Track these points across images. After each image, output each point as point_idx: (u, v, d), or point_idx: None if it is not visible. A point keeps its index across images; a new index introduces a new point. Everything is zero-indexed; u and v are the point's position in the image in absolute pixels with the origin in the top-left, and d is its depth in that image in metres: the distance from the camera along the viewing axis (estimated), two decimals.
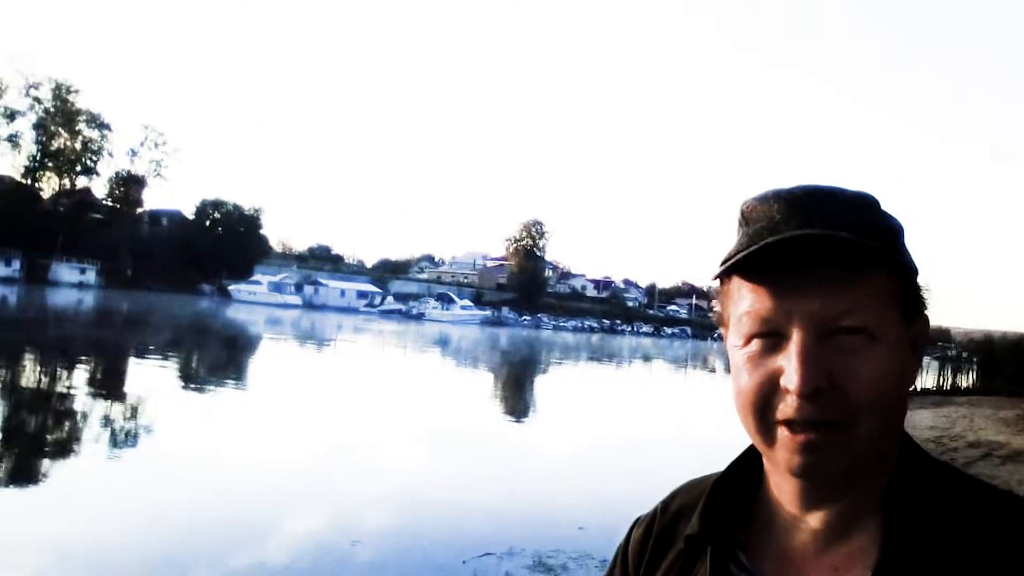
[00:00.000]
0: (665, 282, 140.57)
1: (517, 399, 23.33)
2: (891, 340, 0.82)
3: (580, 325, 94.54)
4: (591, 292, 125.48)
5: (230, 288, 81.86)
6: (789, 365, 0.80)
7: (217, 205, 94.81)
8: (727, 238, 0.91)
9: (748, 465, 0.99)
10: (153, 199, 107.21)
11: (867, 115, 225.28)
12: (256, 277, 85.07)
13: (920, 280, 0.90)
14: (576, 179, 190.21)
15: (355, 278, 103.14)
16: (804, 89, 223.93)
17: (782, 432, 0.82)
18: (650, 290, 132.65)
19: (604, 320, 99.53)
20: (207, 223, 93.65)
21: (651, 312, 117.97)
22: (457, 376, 29.38)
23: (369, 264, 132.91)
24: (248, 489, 9.20)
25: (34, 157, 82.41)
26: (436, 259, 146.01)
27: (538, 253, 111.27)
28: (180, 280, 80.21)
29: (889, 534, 0.81)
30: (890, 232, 0.86)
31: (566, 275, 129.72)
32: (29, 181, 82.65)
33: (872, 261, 0.82)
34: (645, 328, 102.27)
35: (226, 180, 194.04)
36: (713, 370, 43.60)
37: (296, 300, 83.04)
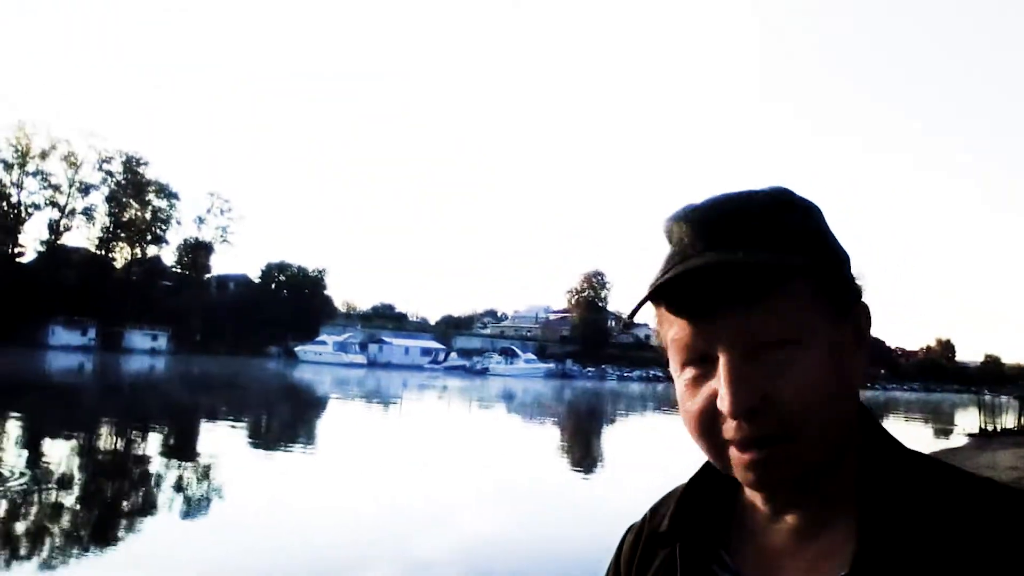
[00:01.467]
0: None
1: (584, 452, 23.07)
2: (820, 343, 0.81)
3: (645, 375, 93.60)
4: (655, 342, 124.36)
5: (296, 349, 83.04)
6: (721, 388, 0.80)
7: (282, 268, 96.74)
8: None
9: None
10: (220, 264, 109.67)
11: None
12: (322, 337, 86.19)
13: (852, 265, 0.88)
14: (636, 228, 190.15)
15: (419, 335, 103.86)
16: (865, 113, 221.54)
17: (732, 451, 0.82)
18: None
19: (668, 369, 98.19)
20: (273, 286, 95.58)
21: None
22: (523, 430, 29.21)
23: (432, 321, 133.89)
24: (321, 549, 9.19)
25: (107, 228, 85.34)
26: (499, 314, 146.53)
27: (600, 304, 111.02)
28: (248, 343, 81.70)
29: (864, 527, 0.80)
30: (803, 230, 0.85)
31: (629, 325, 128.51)
32: (103, 252, 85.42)
33: (784, 272, 0.80)
34: None
35: (290, 243, 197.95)
36: None
37: (361, 359, 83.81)
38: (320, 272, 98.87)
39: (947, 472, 0.84)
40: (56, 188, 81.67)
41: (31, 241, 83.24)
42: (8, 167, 78.75)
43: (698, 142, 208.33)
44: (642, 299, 0.85)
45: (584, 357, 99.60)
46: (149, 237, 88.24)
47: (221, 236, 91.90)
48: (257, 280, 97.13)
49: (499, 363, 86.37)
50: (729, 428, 0.81)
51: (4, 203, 78.74)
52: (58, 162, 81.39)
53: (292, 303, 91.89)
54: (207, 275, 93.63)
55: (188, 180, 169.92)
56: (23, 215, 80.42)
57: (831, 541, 0.83)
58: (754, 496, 0.90)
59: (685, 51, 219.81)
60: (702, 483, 0.97)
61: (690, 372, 0.84)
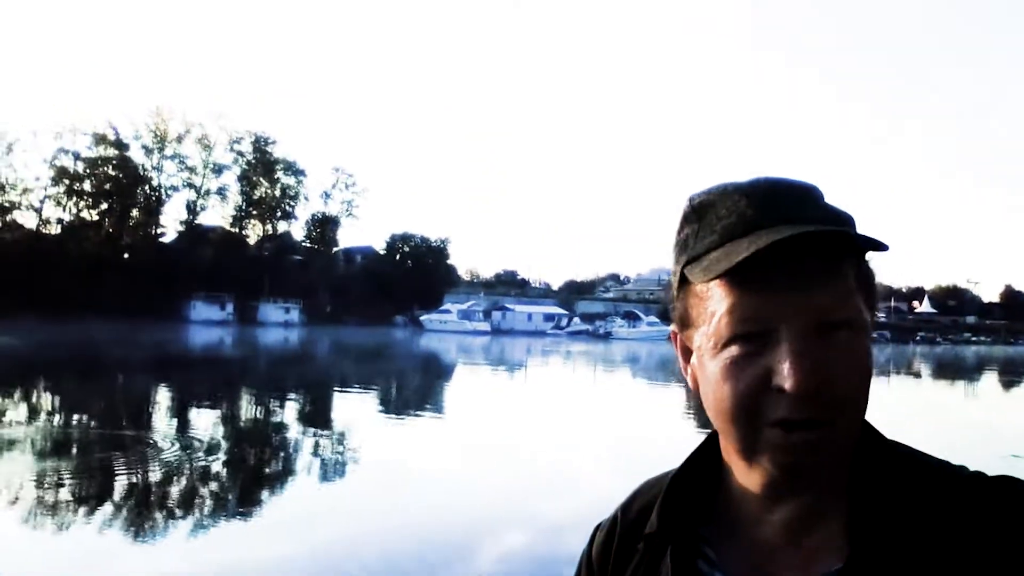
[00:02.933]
0: None
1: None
2: (867, 329, 0.81)
3: None
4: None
5: (422, 318, 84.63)
6: (782, 365, 0.77)
7: (406, 239, 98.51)
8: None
9: (706, 459, 0.96)
10: (347, 237, 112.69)
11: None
12: (446, 306, 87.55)
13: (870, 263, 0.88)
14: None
15: (541, 301, 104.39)
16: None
17: (773, 433, 0.79)
18: None
19: None
20: (397, 257, 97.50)
21: None
22: (649, 392, 29.10)
23: (555, 287, 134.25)
24: (454, 512, 9.45)
25: (240, 207, 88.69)
26: (621, 277, 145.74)
27: None
28: (375, 313, 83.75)
29: (856, 523, 0.79)
30: (849, 219, 0.85)
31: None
32: (237, 229, 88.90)
33: (845, 252, 0.80)
34: None
35: (413, 214, 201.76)
36: (918, 375, 41.12)
37: (485, 326, 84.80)
38: (443, 242, 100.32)
39: (936, 467, 0.83)
40: (192, 170, 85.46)
41: (171, 221, 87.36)
42: (148, 152, 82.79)
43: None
44: (734, 264, 0.77)
45: None
46: (279, 213, 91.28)
47: (347, 210, 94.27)
48: (382, 252, 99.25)
49: (622, 327, 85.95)
50: (783, 407, 0.77)
51: (146, 187, 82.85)
52: (193, 145, 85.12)
53: (417, 273, 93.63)
54: (335, 248, 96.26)
55: (314, 157, 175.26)
56: (163, 197, 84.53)
57: (823, 538, 0.82)
58: (749, 486, 0.87)
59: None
60: (685, 479, 0.95)
61: (736, 350, 0.80)
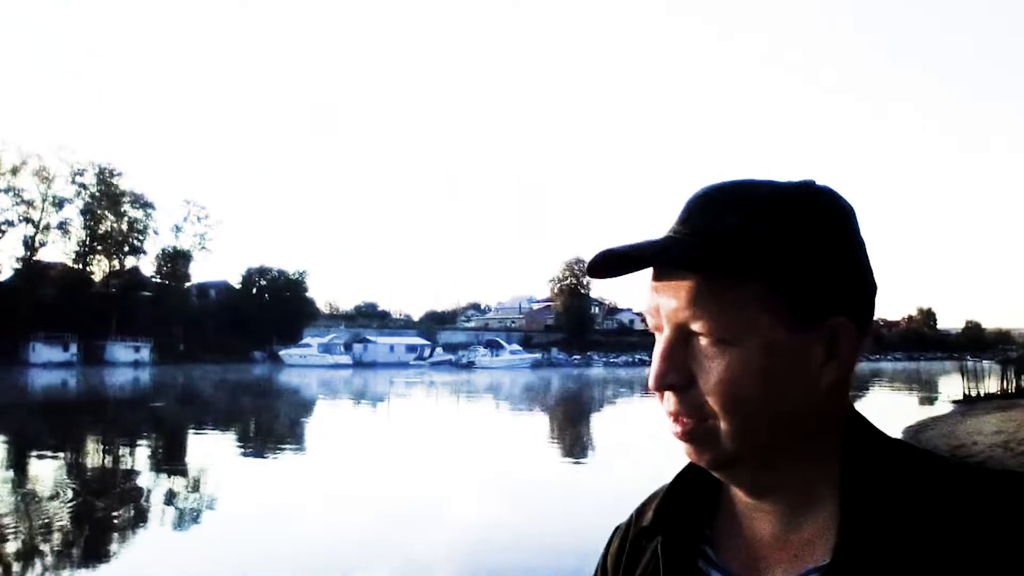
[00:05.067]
0: None
1: (574, 440, 23.16)
2: (755, 344, 0.81)
3: (631, 359, 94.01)
4: (639, 326, 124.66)
5: (281, 353, 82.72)
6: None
7: (262, 272, 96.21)
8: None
9: None
10: (200, 272, 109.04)
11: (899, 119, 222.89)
12: (306, 340, 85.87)
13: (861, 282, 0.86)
14: (613, 211, 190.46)
15: (403, 332, 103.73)
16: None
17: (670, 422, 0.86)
18: None
19: None
20: (254, 291, 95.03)
21: None
22: (511, 421, 29.27)
23: (416, 317, 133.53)
24: (318, 547, 9.20)
25: (83, 242, 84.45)
26: (482, 306, 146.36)
27: (583, 291, 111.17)
28: (231, 349, 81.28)
29: (846, 516, 0.80)
30: (787, 229, 0.82)
31: (613, 311, 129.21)
32: (80, 265, 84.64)
33: (732, 268, 0.81)
34: None
35: (269, 247, 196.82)
36: None
37: (346, 360, 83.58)
38: (301, 274, 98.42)
39: (927, 460, 0.84)
40: (29, 203, 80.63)
41: (7, 259, 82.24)
42: None
43: (674, 125, 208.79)
44: (590, 272, 0.86)
45: (569, 345, 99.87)
46: (126, 248, 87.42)
47: (199, 243, 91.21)
48: (238, 286, 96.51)
49: (485, 356, 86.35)
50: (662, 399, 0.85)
51: None
52: (30, 177, 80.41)
53: (274, 307, 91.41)
54: (187, 283, 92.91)
55: (163, 189, 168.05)
56: None
57: (813, 531, 0.84)
58: (734, 486, 0.90)
59: (646, 35, 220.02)
60: (688, 478, 0.97)
61: (656, 341, 0.87)
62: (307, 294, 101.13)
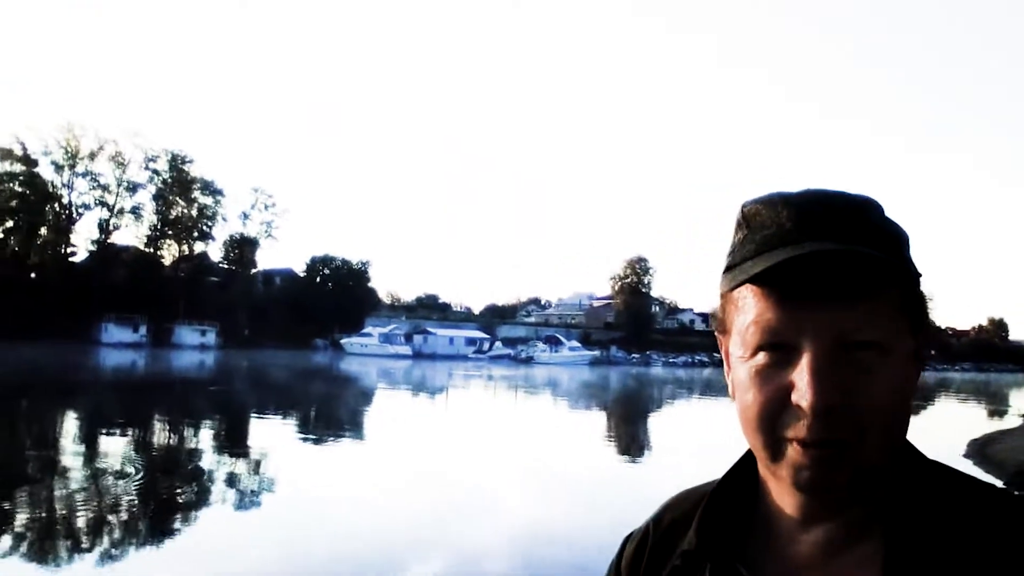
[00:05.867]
0: None
1: (631, 439, 23.02)
2: (901, 353, 0.81)
3: (690, 360, 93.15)
4: (700, 326, 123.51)
5: (342, 341, 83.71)
6: (801, 381, 0.78)
7: (326, 261, 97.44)
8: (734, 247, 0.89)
9: (744, 475, 0.96)
10: (266, 259, 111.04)
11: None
12: (367, 329, 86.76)
13: (923, 288, 0.88)
14: (679, 213, 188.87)
15: (463, 325, 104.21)
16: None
17: (791, 448, 0.80)
18: None
19: (715, 354, 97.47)
20: (318, 279, 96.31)
21: None
22: (569, 417, 29.22)
23: (477, 311, 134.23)
24: (372, 536, 9.29)
25: (155, 226, 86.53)
26: (543, 302, 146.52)
27: (644, 290, 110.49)
28: (294, 336, 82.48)
29: (891, 544, 0.79)
30: (899, 240, 0.84)
31: (674, 310, 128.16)
32: (151, 249, 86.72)
33: (886, 274, 0.80)
34: None
35: (334, 236, 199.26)
36: None
37: (406, 350, 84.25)
38: (364, 264, 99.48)
39: (978, 489, 0.83)
40: (105, 188, 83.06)
41: (82, 241, 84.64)
42: (59, 168, 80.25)
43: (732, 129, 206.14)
44: (753, 274, 0.80)
45: (628, 343, 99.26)
46: (196, 234, 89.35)
47: (266, 231, 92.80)
48: (302, 274, 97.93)
49: (544, 351, 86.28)
50: (799, 425, 0.78)
51: (56, 204, 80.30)
52: (106, 162, 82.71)
53: (337, 296, 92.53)
54: (253, 270, 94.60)
55: (232, 176, 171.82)
56: (74, 215, 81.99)
57: (859, 558, 0.82)
58: (784, 503, 0.87)
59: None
60: (722, 494, 0.95)
61: (763, 358, 0.82)
62: (369, 284, 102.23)
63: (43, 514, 10.09)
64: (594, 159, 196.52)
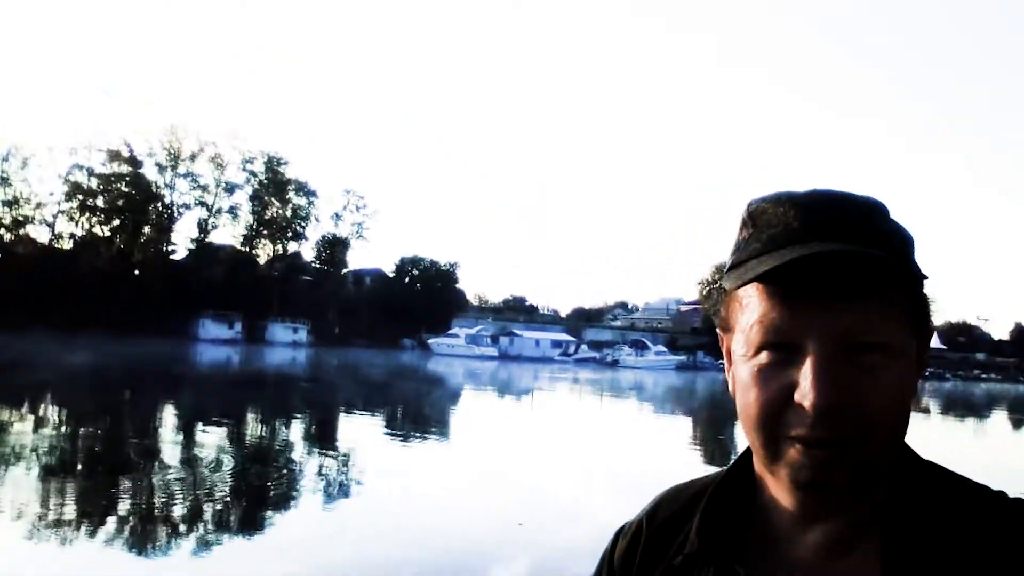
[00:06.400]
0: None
1: (717, 446, 22.73)
2: (904, 355, 0.81)
3: None
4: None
5: (429, 342, 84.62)
6: (805, 381, 0.77)
7: (415, 262, 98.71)
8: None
9: (740, 474, 0.96)
10: (356, 259, 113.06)
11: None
12: (454, 330, 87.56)
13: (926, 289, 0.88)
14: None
15: (549, 328, 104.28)
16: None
17: (792, 447, 0.79)
18: None
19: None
20: (406, 280, 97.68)
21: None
22: (654, 422, 29.00)
23: (563, 313, 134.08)
24: (458, 537, 9.42)
25: (251, 226, 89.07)
26: (629, 306, 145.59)
27: None
28: (383, 336, 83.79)
29: (890, 545, 0.79)
30: (904, 242, 0.85)
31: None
32: (247, 248, 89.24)
33: (891, 275, 0.80)
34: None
35: (423, 237, 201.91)
36: (927, 411, 40.82)
37: (492, 351, 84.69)
38: (452, 266, 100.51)
39: (976, 492, 0.83)
40: (204, 188, 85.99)
41: (182, 239, 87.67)
42: (162, 169, 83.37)
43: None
44: (758, 273, 0.80)
45: (716, 349, 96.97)
46: (289, 234, 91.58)
47: (357, 232, 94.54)
48: (391, 274, 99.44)
49: (630, 355, 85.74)
50: (802, 424, 0.78)
51: (159, 204, 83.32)
52: (206, 163, 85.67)
53: (425, 296, 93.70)
54: (344, 270, 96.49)
55: (325, 178, 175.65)
56: (175, 214, 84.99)
57: (858, 560, 0.82)
58: (783, 503, 0.87)
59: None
60: (721, 494, 0.95)
61: (765, 357, 0.81)
62: (457, 285, 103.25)
63: (145, 502, 10.52)
64: (685, 163, 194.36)
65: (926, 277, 0.83)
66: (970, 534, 0.78)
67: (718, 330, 0.94)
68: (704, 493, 0.97)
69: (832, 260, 0.76)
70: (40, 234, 78.09)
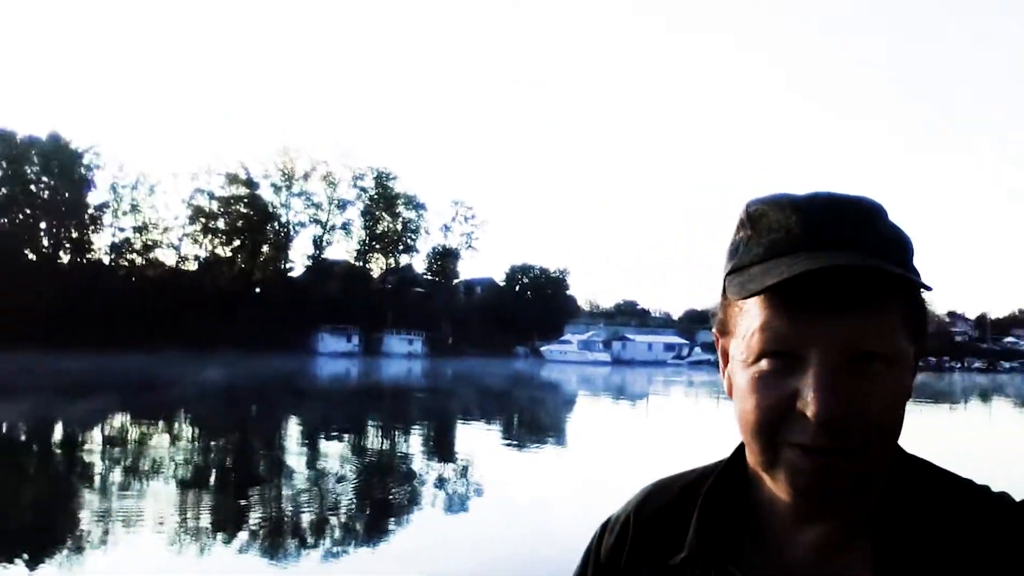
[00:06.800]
0: (998, 311, 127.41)
1: None
2: (903, 362, 0.81)
3: None
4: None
5: (542, 349, 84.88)
6: (808, 392, 0.76)
7: (525, 270, 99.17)
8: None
9: (735, 472, 0.95)
10: (466, 269, 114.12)
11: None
12: (566, 336, 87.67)
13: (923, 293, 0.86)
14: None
15: (662, 331, 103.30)
16: None
17: (791, 453, 0.78)
18: (980, 321, 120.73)
19: (929, 358, 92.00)
20: (517, 288, 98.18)
21: (984, 346, 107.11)
22: None
23: (675, 316, 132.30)
24: (578, 545, 9.46)
25: (363, 241, 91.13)
26: None
27: None
28: (496, 344, 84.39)
29: (881, 547, 0.80)
30: (906, 248, 0.84)
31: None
32: (361, 263, 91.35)
33: (895, 286, 0.79)
34: (977, 364, 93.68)
35: (532, 245, 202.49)
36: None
37: (605, 357, 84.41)
38: (562, 272, 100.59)
39: (970, 492, 0.84)
40: (317, 206, 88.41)
41: (299, 256, 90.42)
42: (277, 190, 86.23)
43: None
44: (759, 288, 0.78)
45: None
46: (401, 247, 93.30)
47: (466, 242, 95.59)
48: (502, 283, 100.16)
49: None
50: (803, 433, 0.77)
51: (276, 223, 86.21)
52: (318, 182, 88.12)
53: (536, 304, 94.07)
54: (455, 280, 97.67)
55: (434, 190, 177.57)
56: (291, 233, 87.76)
57: (853, 558, 0.82)
58: (777, 505, 0.87)
59: None
60: (716, 494, 0.94)
61: (766, 364, 0.80)
62: (568, 291, 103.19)
63: (273, 511, 10.95)
64: (795, 160, 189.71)
65: (930, 288, 0.81)
66: (958, 532, 0.79)
67: (714, 332, 0.93)
68: (694, 488, 0.97)
69: (838, 272, 0.75)
70: (167, 257, 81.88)
